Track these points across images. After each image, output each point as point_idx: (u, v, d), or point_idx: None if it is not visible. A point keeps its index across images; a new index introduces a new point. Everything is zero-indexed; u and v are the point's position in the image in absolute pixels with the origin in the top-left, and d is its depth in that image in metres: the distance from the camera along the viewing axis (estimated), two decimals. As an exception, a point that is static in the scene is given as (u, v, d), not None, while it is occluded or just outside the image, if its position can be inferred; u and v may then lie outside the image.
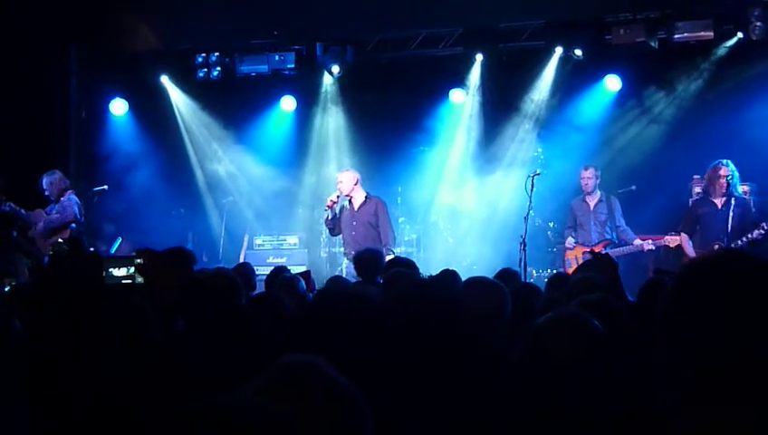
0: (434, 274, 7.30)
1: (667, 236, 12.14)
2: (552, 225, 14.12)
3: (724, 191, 11.43)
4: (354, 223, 12.12)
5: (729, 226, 11.28)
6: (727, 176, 11.41)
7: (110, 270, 4.66)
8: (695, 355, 2.16)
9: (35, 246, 12.35)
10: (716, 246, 11.06)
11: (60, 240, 11.99)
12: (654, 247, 12.20)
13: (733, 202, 11.40)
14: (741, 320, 2.12)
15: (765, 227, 11.03)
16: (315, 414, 2.05)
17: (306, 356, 2.20)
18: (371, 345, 3.34)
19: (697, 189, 13.06)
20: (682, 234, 11.79)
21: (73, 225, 12.39)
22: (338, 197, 12.23)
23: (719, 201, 11.48)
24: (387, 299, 5.04)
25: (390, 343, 3.42)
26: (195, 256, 5.65)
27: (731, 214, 11.32)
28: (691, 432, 2.11)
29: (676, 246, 12.02)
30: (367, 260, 8.87)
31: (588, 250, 12.12)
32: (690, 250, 11.56)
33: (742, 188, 12.15)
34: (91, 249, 12.63)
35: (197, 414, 1.70)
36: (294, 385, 2.09)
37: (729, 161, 11.50)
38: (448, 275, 6.84)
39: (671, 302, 2.26)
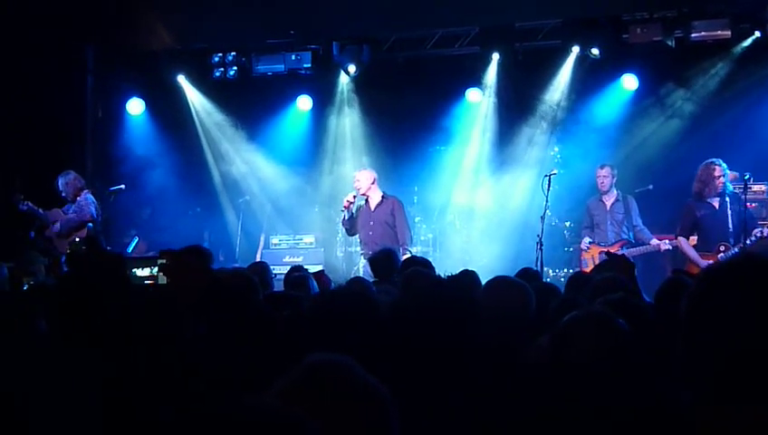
0: (451, 273, 7.31)
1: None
2: (568, 224, 14.09)
3: (719, 191, 11.38)
4: (371, 223, 12.13)
5: (730, 224, 11.23)
6: (722, 175, 11.35)
7: (133, 270, 4.67)
8: (718, 355, 2.16)
9: (53, 245, 12.39)
10: (722, 247, 11.11)
11: (77, 239, 12.02)
12: (671, 247, 12.13)
13: (728, 200, 11.35)
14: (764, 321, 2.13)
15: None
16: (341, 416, 2.02)
17: (334, 356, 2.17)
18: (381, 345, 3.35)
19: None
20: (680, 238, 11.67)
21: (90, 224, 12.42)
22: (354, 196, 12.23)
23: (715, 201, 11.43)
24: (404, 298, 5.05)
25: (402, 342, 3.42)
26: (212, 254, 5.66)
27: (729, 212, 11.27)
28: (716, 432, 2.10)
29: (693, 245, 11.97)
30: (382, 260, 8.89)
31: (604, 250, 12.10)
32: (692, 253, 11.45)
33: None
34: (109, 248, 12.69)
35: (220, 417, 1.69)
36: (320, 386, 2.07)
37: (720, 160, 11.44)
38: (467, 276, 6.83)
39: (695, 303, 2.26)
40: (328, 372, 2.10)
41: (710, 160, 11.46)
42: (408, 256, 10.36)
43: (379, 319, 3.59)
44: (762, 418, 2.07)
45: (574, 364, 3.30)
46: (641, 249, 12.36)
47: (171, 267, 3.68)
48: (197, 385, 3.02)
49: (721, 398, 2.14)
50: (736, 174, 12.68)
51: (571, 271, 12.71)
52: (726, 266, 2.31)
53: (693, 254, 11.43)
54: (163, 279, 3.84)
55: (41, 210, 12.53)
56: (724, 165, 11.43)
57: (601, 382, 3.24)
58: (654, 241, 12.27)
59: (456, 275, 6.96)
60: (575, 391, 3.27)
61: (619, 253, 12.03)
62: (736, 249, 11.00)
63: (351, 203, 12.18)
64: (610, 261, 7.57)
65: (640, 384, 3.25)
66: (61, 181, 12.63)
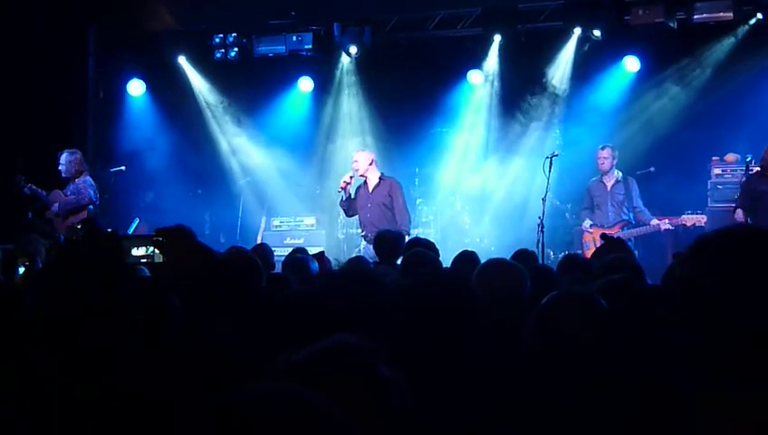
0: (452, 254, 7.30)
1: (684, 216, 12.08)
2: (569, 206, 14.07)
3: None
4: (369, 205, 12.12)
5: None
6: None
7: (130, 249, 4.65)
8: (715, 338, 2.14)
9: (52, 226, 12.36)
10: None
11: (77, 225, 11.97)
12: (672, 227, 12.11)
13: None
14: (758, 299, 2.09)
15: None
16: (345, 405, 1.95)
17: (348, 339, 2.17)
18: (381, 327, 3.35)
19: (717, 171, 13.01)
20: (738, 210, 11.38)
21: (90, 207, 12.39)
22: (351, 177, 12.22)
23: None
24: (404, 280, 5.05)
25: (401, 327, 3.43)
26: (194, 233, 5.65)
27: None
28: (718, 415, 2.10)
29: (692, 226, 11.96)
30: (387, 241, 8.80)
31: (605, 231, 12.10)
32: None
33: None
34: (109, 230, 12.66)
35: (231, 406, 1.66)
36: (329, 370, 2.07)
37: None
38: (467, 257, 6.83)
39: (688, 284, 2.22)
40: (336, 357, 2.10)
41: None
42: (410, 237, 10.34)
43: (383, 300, 3.59)
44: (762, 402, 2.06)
45: (557, 343, 3.31)
46: (641, 230, 12.35)
47: (168, 245, 3.66)
48: (193, 369, 3.00)
49: (721, 382, 2.12)
50: (737, 156, 12.68)
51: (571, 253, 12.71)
52: (716, 242, 2.24)
53: None
54: (160, 257, 3.81)
55: (43, 192, 12.49)
56: None
57: (585, 362, 3.25)
58: (654, 221, 12.25)
59: (456, 257, 6.97)
60: (560, 370, 3.27)
61: (619, 234, 12.06)
62: None
63: (348, 184, 12.16)
64: (607, 244, 7.54)
65: (634, 365, 3.26)
66: (65, 157, 12.45)
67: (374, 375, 2.12)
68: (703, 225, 11.90)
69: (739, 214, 11.34)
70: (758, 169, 11.51)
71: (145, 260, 4.77)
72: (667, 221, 12.14)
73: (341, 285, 3.71)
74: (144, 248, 4.61)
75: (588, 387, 3.16)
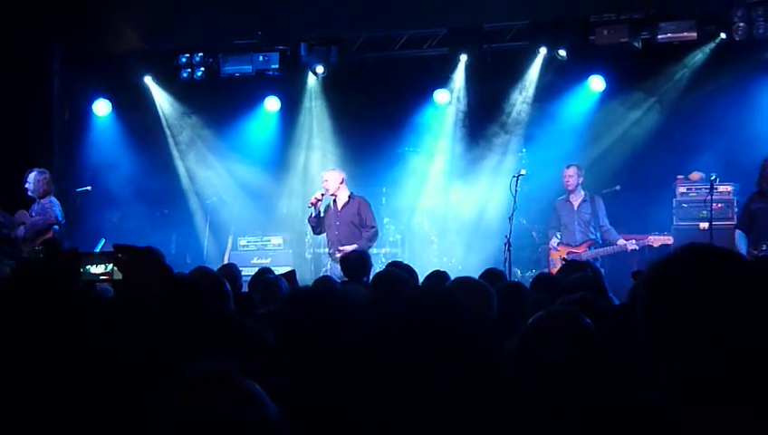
0: (420, 273, 7.28)
1: (650, 236, 12.16)
2: (536, 225, 14.11)
3: None
4: (337, 223, 12.14)
5: None
6: None
7: (87, 267, 4.59)
8: (675, 356, 2.15)
9: (18, 247, 12.23)
10: (764, 246, 10.67)
11: (37, 248, 11.83)
12: (638, 247, 12.18)
13: None
14: (714, 317, 2.10)
15: None
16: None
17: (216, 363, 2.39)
18: (354, 345, 3.33)
19: (682, 189, 13.10)
20: (738, 231, 11.22)
21: (56, 227, 12.29)
22: (322, 195, 12.22)
23: None
24: (376, 298, 5.03)
25: (378, 342, 3.41)
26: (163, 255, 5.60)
27: None
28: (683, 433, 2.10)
29: (659, 246, 12.02)
30: (353, 260, 8.83)
31: (573, 250, 12.17)
32: (741, 248, 10.85)
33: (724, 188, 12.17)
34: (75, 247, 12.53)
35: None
36: (206, 391, 2.27)
37: None
38: (437, 277, 6.82)
39: (645, 304, 2.24)
40: (209, 379, 2.33)
41: None
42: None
43: (355, 318, 3.57)
44: (732, 418, 2.07)
45: (542, 363, 3.31)
46: (608, 250, 12.41)
47: (126, 263, 3.62)
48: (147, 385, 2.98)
49: (688, 399, 2.12)
50: (702, 175, 12.78)
51: (538, 272, 12.74)
52: (671, 261, 2.26)
53: (741, 249, 10.81)
54: (119, 275, 3.76)
55: (8, 218, 12.33)
56: None
57: (570, 381, 3.25)
58: (621, 241, 12.31)
59: (427, 276, 6.96)
60: (543, 388, 3.27)
61: (585, 253, 12.12)
62: None
63: (319, 200, 12.17)
64: (567, 267, 7.59)
65: (608, 383, 3.26)
66: (34, 176, 12.35)
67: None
68: (669, 245, 11.97)
69: (737, 235, 11.16)
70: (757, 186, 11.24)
71: (104, 278, 4.71)
72: (633, 241, 12.20)
73: (309, 303, 3.69)
74: (103, 266, 4.55)
75: (568, 405, 3.16)
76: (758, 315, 2.09)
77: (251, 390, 2.34)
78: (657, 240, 12.04)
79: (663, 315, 2.16)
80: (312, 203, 12.21)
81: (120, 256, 3.64)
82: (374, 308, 3.74)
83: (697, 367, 2.11)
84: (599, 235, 12.55)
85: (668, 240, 12.09)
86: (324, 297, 3.58)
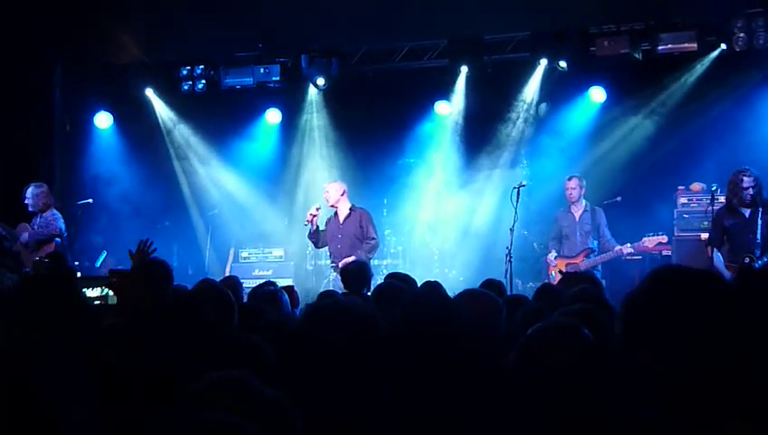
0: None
1: (644, 238, 12.13)
2: (537, 237, 14.09)
3: (747, 201, 10.89)
4: (339, 235, 12.14)
5: (758, 235, 10.76)
6: (752, 186, 10.86)
7: (83, 290, 4.57)
8: (653, 374, 2.19)
9: (19, 259, 12.23)
10: (747, 260, 10.65)
11: (44, 258, 11.84)
12: (633, 250, 12.16)
13: (760, 210, 10.83)
14: (678, 334, 2.18)
15: None
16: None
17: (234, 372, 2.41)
18: (365, 358, 3.32)
19: (683, 200, 13.09)
20: (708, 247, 11.18)
21: (58, 239, 12.30)
22: (317, 210, 12.23)
23: (747, 211, 10.96)
24: (376, 310, 5.01)
25: (386, 355, 3.40)
26: (170, 270, 5.55)
27: (759, 222, 10.77)
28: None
29: (654, 246, 12.01)
30: (353, 272, 8.81)
31: (571, 262, 12.16)
32: (718, 264, 10.86)
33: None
34: (76, 263, 12.56)
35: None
36: (222, 399, 2.29)
37: (750, 168, 10.99)
38: (430, 287, 6.78)
39: (622, 330, 2.32)
40: (226, 387, 2.36)
41: (738, 169, 11.06)
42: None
43: (366, 332, 3.55)
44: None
45: (542, 374, 3.30)
46: (604, 257, 12.38)
47: (121, 287, 3.63)
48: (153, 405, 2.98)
49: (688, 417, 2.13)
50: (703, 185, 12.78)
51: (539, 284, 12.71)
52: (640, 289, 2.38)
53: (719, 265, 10.84)
54: (114, 299, 3.77)
55: (9, 230, 12.33)
56: (756, 174, 10.95)
57: (570, 391, 3.24)
58: (617, 247, 12.28)
59: (420, 286, 6.94)
60: (543, 400, 3.27)
61: (583, 262, 12.13)
62: (764, 259, 10.61)
63: (315, 216, 12.18)
64: (565, 280, 7.59)
65: (607, 394, 3.26)
66: (32, 191, 12.41)
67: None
68: (667, 251, 11.98)
69: (714, 254, 11.05)
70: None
71: (98, 302, 4.70)
72: (629, 245, 12.19)
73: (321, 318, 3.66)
74: (99, 289, 4.54)
75: (566, 416, 3.16)
76: (719, 328, 2.15)
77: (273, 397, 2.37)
78: (651, 241, 12.03)
79: (637, 338, 2.23)
80: (307, 220, 12.22)
81: (113, 280, 3.66)
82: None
83: (673, 382, 2.14)
84: (596, 243, 12.52)
85: (663, 239, 12.08)
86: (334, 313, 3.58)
